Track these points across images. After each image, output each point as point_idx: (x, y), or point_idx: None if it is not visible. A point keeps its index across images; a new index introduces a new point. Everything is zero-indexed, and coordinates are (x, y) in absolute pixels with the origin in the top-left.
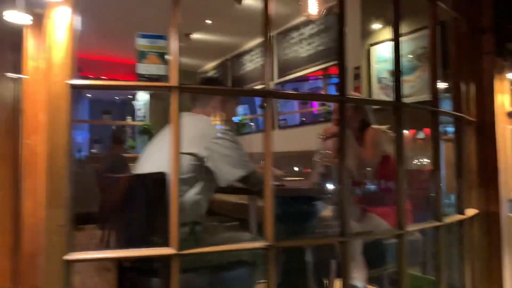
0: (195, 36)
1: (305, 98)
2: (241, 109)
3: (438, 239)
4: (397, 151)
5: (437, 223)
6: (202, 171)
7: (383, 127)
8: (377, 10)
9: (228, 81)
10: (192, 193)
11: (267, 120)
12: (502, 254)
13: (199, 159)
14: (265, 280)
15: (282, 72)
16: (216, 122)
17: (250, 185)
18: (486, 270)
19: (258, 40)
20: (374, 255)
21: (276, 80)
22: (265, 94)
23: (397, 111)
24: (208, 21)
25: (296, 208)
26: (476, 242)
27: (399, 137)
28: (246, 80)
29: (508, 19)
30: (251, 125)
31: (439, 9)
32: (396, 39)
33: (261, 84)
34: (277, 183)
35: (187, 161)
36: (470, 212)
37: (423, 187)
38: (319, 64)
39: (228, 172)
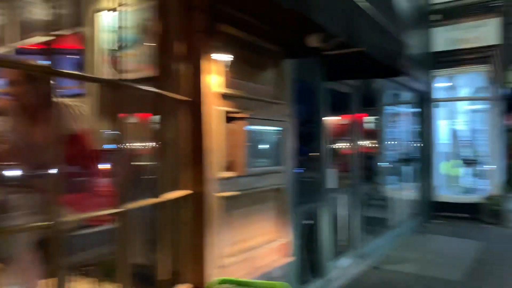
0: None
1: None
2: None
3: (120, 225)
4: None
5: (115, 210)
6: None
7: (70, 100)
8: None
9: None
10: None
11: None
12: (207, 233)
13: None
14: None
15: (23, 36)
16: None
17: None
18: (190, 249)
19: None
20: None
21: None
22: None
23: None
24: None
25: None
26: (185, 223)
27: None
28: None
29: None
30: None
31: None
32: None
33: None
34: None
35: None
36: (179, 193)
37: (134, 170)
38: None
39: None
